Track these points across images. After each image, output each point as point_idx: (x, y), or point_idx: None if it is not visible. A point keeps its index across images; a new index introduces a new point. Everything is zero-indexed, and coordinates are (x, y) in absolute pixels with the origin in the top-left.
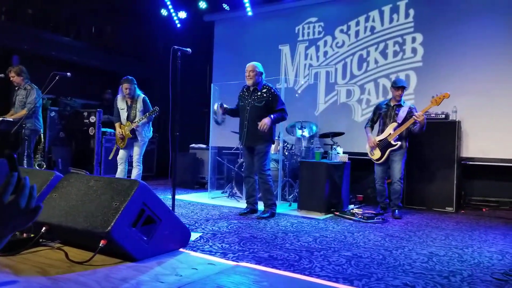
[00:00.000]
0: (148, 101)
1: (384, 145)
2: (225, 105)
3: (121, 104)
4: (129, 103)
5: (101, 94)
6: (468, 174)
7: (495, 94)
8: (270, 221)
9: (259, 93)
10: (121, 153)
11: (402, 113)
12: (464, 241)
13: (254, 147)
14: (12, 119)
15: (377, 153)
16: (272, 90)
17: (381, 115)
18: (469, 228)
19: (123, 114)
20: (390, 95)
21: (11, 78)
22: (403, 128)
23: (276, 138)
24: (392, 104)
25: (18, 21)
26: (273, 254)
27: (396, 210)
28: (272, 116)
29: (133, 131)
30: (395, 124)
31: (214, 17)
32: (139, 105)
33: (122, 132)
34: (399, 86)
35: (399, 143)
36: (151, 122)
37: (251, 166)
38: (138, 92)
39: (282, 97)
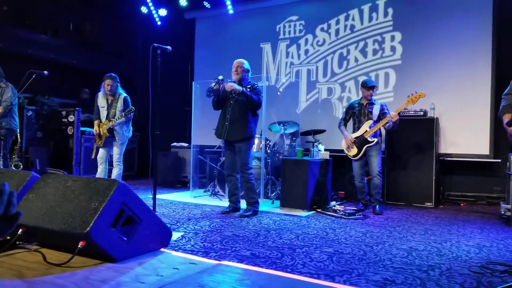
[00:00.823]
0: (130, 100)
1: (361, 141)
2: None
3: (101, 102)
4: (109, 101)
5: (79, 93)
6: (446, 170)
7: (471, 91)
8: (253, 219)
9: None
10: (101, 152)
11: (376, 111)
12: (443, 235)
13: (234, 144)
14: None
15: (353, 150)
16: (255, 86)
17: (355, 114)
18: (448, 223)
19: (103, 112)
20: None
21: None
22: (379, 125)
23: (258, 136)
24: (364, 103)
25: None
26: (255, 252)
27: (377, 206)
28: (245, 89)
29: (111, 130)
30: (370, 122)
31: (195, 14)
32: (119, 104)
33: (99, 130)
34: (370, 86)
35: (375, 139)
36: (130, 122)
37: (233, 164)
38: (121, 91)
39: (263, 95)
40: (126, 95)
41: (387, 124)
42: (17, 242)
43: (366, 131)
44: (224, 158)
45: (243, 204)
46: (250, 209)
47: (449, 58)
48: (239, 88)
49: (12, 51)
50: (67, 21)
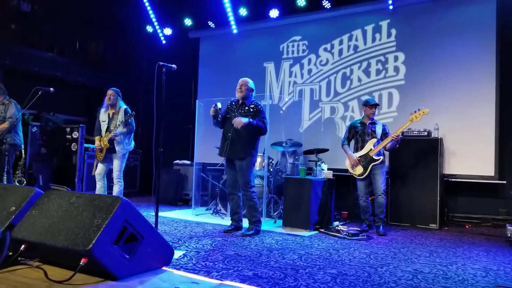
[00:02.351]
0: (130, 111)
1: (366, 160)
2: (219, 106)
3: (103, 117)
4: (111, 114)
5: (84, 111)
6: (451, 191)
7: (475, 111)
8: (255, 238)
9: (246, 108)
10: (100, 168)
11: (379, 129)
12: (448, 258)
13: (236, 162)
14: None
15: (359, 169)
16: (259, 107)
17: (357, 133)
18: (453, 245)
19: (104, 126)
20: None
21: None
22: (383, 143)
23: (261, 154)
24: (366, 122)
25: (0, 36)
26: (258, 272)
27: (381, 226)
28: (250, 119)
29: (112, 142)
30: (375, 140)
31: (200, 34)
32: (120, 116)
33: (100, 144)
34: (372, 104)
35: (381, 157)
36: (132, 135)
37: (235, 182)
38: (121, 104)
39: (267, 114)
40: (127, 107)
41: (389, 144)
42: (19, 258)
43: (371, 149)
44: (225, 176)
45: (245, 223)
46: (252, 228)
47: (453, 78)
48: (246, 121)
49: (19, 68)
50: (73, 39)
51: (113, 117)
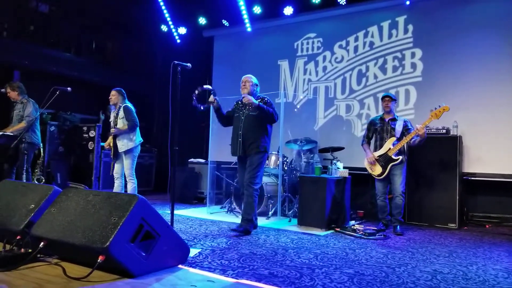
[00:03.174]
0: (131, 109)
1: (385, 160)
2: (216, 98)
3: (111, 118)
4: (115, 114)
5: (101, 109)
6: (470, 189)
7: (496, 108)
8: (270, 237)
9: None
10: (116, 167)
11: (398, 127)
12: (468, 258)
13: (247, 157)
14: (11, 133)
15: (377, 169)
16: (266, 99)
17: (376, 131)
18: (473, 245)
19: (111, 125)
20: None
21: (8, 94)
22: (403, 142)
23: (275, 152)
24: (386, 118)
25: (19, 37)
26: (274, 271)
27: (398, 226)
28: (261, 103)
29: (114, 138)
30: (394, 139)
31: (214, 32)
32: (121, 113)
33: (109, 143)
34: (383, 96)
35: (400, 157)
36: (138, 132)
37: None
38: (126, 102)
39: (281, 111)
40: (127, 104)
41: (413, 139)
42: (38, 255)
43: (390, 148)
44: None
45: (260, 221)
46: (242, 225)
47: (471, 74)
48: (256, 102)
49: (37, 69)
50: (90, 40)
51: (117, 115)
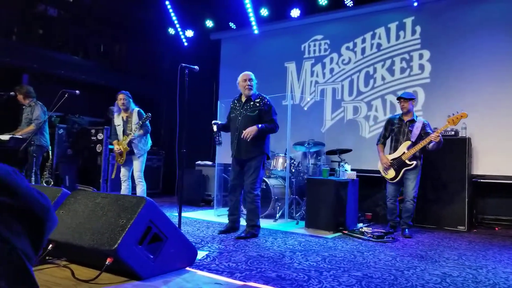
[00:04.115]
0: (143, 113)
1: (398, 164)
2: (218, 122)
3: (117, 121)
4: (124, 117)
5: (107, 112)
6: (479, 192)
7: (505, 109)
8: (278, 239)
9: (252, 103)
10: (123, 170)
11: (416, 130)
12: (478, 261)
13: (245, 162)
14: (20, 136)
15: (391, 173)
16: (266, 100)
17: (393, 131)
18: (483, 248)
19: (119, 130)
20: (397, 111)
21: (17, 97)
22: (418, 147)
23: (283, 155)
24: (405, 119)
25: (28, 41)
26: (281, 273)
27: (406, 229)
28: (259, 125)
29: (130, 144)
30: (409, 143)
31: (221, 35)
32: (134, 118)
33: (120, 147)
34: (398, 97)
35: (414, 162)
36: (148, 135)
37: (237, 184)
38: (133, 105)
39: (288, 114)
40: (139, 108)
41: (431, 144)
42: (47, 257)
43: (404, 153)
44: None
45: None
46: (248, 232)
47: (480, 75)
48: (255, 131)
49: (46, 72)
50: (98, 43)
51: (127, 120)
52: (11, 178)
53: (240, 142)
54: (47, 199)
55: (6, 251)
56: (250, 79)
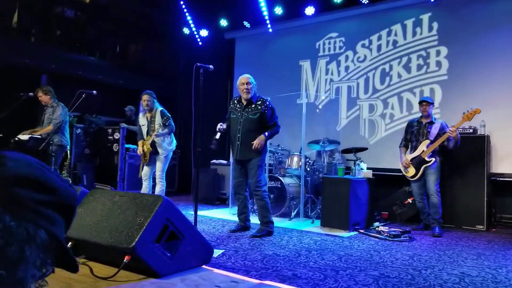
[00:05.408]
0: (167, 113)
1: (418, 162)
2: (223, 128)
3: (142, 121)
4: (149, 117)
5: (124, 112)
6: (498, 190)
7: None
8: (293, 238)
9: (253, 106)
10: (145, 169)
11: (434, 130)
12: (497, 261)
13: (247, 162)
14: (39, 136)
15: (411, 171)
16: (267, 103)
17: (413, 133)
18: (502, 247)
19: (144, 130)
20: (414, 109)
21: (39, 98)
22: (436, 144)
23: (298, 153)
24: (423, 121)
25: (46, 42)
26: (297, 272)
27: (436, 227)
28: (266, 133)
29: (153, 144)
30: (427, 141)
31: (235, 34)
32: (158, 118)
33: (142, 149)
34: (420, 101)
35: (433, 159)
36: (172, 134)
37: (241, 182)
38: (157, 105)
39: (303, 112)
40: (162, 108)
41: (449, 142)
42: None
43: (423, 151)
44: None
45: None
46: (263, 229)
47: (499, 72)
48: (263, 143)
49: (64, 73)
50: (114, 43)
51: (151, 120)
52: (45, 174)
53: (242, 145)
54: (71, 185)
55: (55, 245)
56: (248, 83)
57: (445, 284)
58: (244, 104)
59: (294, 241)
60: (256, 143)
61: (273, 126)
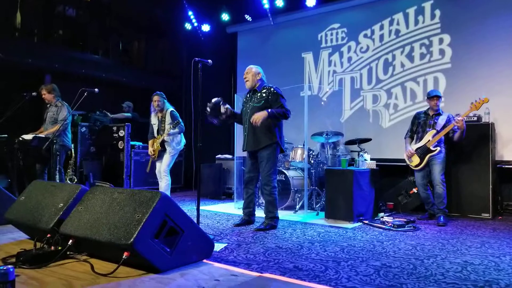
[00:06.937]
0: (177, 114)
1: (423, 151)
2: (227, 106)
3: (153, 120)
4: (159, 117)
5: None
6: (504, 178)
7: None
8: (296, 230)
9: (258, 94)
10: (158, 166)
11: (441, 121)
12: (501, 248)
13: (256, 153)
14: (44, 136)
15: (415, 160)
16: (272, 89)
17: (419, 124)
18: (507, 235)
19: (155, 129)
20: (418, 99)
21: (43, 96)
22: (442, 134)
23: (301, 146)
24: (430, 113)
25: (49, 41)
26: (298, 264)
27: (441, 217)
28: (269, 110)
29: (162, 143)
30: (434, 131)
31: (237, 28)
32: (168, 118)
33: (152, 148)
34: (432, 96)
35: (438, 148)
36: (182, 134)
37: (252, 176)
38: (168, 106)
39: (305, 105)
40: (172, 109)
41: (454, 133)
42: (68, 253)
43: (429, 140)
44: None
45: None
46: (267, 224)
47: (503, 58)
48: (263, 115)
49: (67, 71)
50: (116, 41)
51: (161, 120)
52: None
53: (249, 134)
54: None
55: None
56: (247, 72)
57: (446, 273)
58: (251, 94)
59: (297, 233)
60: (255, 116)
61: (279, 107)
